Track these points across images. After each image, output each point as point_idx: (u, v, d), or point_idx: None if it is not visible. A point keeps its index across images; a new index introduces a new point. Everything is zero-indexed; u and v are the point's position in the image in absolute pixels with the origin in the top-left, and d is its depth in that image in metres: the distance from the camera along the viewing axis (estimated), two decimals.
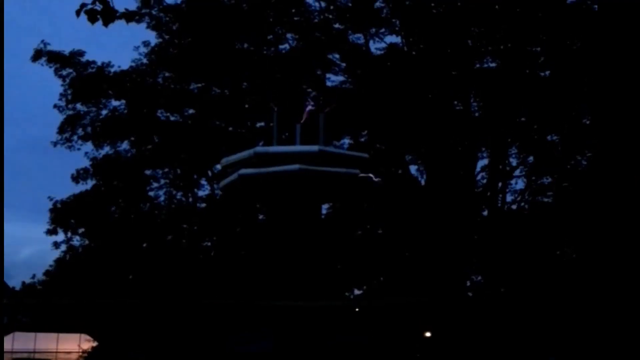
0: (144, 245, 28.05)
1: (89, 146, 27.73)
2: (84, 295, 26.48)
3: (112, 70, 27.61)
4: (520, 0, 23.93)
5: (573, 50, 23.90)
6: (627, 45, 22.19)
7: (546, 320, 22.19)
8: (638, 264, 20.89)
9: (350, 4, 25.66)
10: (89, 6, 5.63)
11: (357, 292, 27.49)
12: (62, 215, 27.15)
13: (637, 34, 21.96)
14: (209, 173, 27.56)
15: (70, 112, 27.70)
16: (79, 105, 27.73)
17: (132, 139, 27.88)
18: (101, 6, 5.63)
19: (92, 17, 5.56)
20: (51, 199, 27.26)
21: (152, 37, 27.65)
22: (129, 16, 6.09)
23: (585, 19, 23.56)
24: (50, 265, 28.18)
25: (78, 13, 5.59)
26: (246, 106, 27.02)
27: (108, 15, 5.60)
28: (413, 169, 26.05)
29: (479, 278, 25.85)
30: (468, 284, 25.59)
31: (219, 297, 24.46)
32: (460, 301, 23.80)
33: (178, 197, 28.39)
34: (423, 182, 25.50)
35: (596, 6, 24.41)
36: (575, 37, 23.96)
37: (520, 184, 25.44)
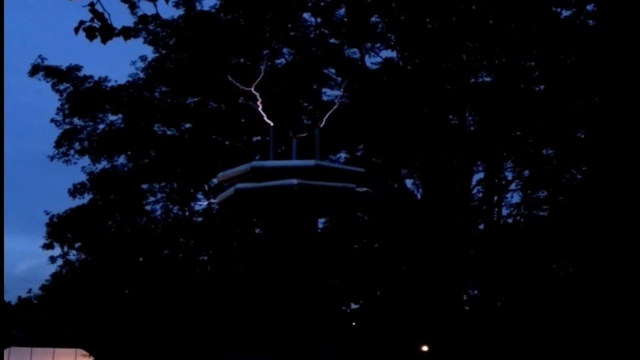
0: (141, 259, 28.03)
1: (85, 160, 27.81)
2: (80, 309, 26.38)
3: (109, 84, 27.72)
4: (514, 16, 24.11)
5: (567, 64, 24.07)
6: (623, 59, 22.34)
7: (544, 333, 22.17)
8: (636, 277, 20.92)
9: (345, 19, 25.83)
10: (88, 24, 5.70)
11: (354, 306, 27.49)
12: (58, 230, 27.12)
13: (634, 48, 22.12)
14: (206, 187, 27.60)
15: (67, 127, 27.76)
16: (76, 120, 27.81)
17: (129, 153, 27.92)
18: (99, 24, 5.69)
19: (91, 34, 5.63)
20: (48, 213, 27.27)
21: (149, 51, 27.80)
22: (126, 33, 6.15)
23: (580, 33, 23.74)
24: (47, 280, 28.13)
25: (76, 30, 5.65)
26: (242, 120, 27.11)
27: (106, 33, 5.66)
28: (409, 182, 26.14)
29: (476, 292, 25.85)
30: (465, 297, 25.59)
31: (215, 311, 24.42)
32: (457, 315, 23.78)
33: (175, 211, 28.41)
34: (419, 196, 25.56)
35: (591, 21, 24.60)
36: (569, 51, 24.13)
37: (516, 198, 25.54)
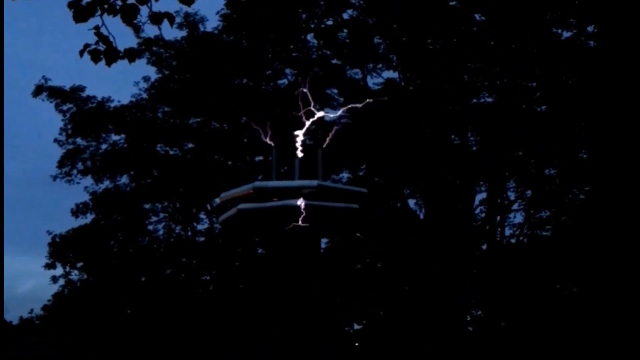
0: (143, 279, 27.99)
1: (88, 180, 27.84)
2: (82, 329, 26.34)
3: (112, 105, 27.83)
4: (515, 37, 24.26)
5: (569, 85, 24.17)
6: (624, 80, 22.41)
7: (547, 354, 22.07)
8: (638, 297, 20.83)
9: (348, 40, 26.00)
10: (92, 47, 5.77)
11: (356, 326, 27.38)
12: (60, 250, 27.12)
13: (635, 69, 22.19)
14: (208, 207, 27.62)
15: (70, 147, 27.84)
16: (79, 140, 27.89)
17: (132, 173, 27.98)
18: (104, 46, 5.76)
19: (96, 57, 5.70)
20: (50, 233, 27.28)
21: (152, 72, 27.96)
22: (131, 55, 6.22)
23: (581, 54, 23.87)
24: (48, 300, 28.06)
25: (81, 53, 5.72)
26: (245, 140, 27.19)
27: (111, 56, 5.73)
28: (412, 202, 26.14)
29: (479, 312, 25.74)
30: (468, 318, 25.49)
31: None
32: (460, 335, 23.68)
33: (177, 231, 28.40)
34: (422, 216, 25.56)
35: (591, 42, 24.73)
36: (570, 72, 24.25)
37: (518, 218, 25.53)
